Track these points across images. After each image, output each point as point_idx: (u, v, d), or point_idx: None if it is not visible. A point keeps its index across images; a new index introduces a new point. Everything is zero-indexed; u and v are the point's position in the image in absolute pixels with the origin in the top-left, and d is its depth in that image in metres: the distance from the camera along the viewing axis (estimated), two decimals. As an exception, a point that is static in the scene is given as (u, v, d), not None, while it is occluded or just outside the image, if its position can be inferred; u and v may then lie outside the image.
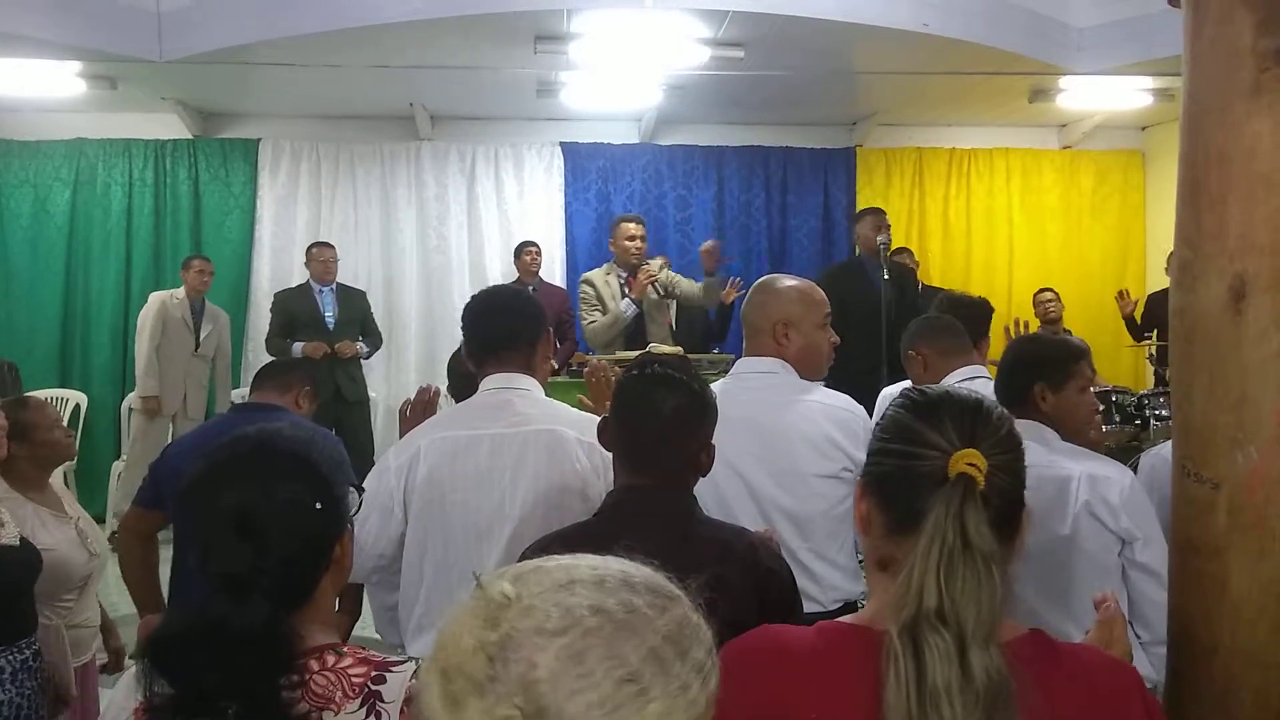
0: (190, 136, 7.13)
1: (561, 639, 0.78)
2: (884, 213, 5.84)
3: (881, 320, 4.97)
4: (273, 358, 5.80)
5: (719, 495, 2.08)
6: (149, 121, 6.98)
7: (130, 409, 6.39)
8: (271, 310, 6.38)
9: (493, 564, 1.93)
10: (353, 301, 6.47)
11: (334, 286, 6.42)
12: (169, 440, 6.32)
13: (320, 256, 6.37)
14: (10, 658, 2.21)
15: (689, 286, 5.58)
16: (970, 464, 1.05)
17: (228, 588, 1.12)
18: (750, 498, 2.17)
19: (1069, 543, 2.00)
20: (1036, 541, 1.97)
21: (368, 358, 6.46)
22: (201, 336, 6.32)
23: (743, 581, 1.57)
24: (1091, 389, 2.30)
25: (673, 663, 0.81)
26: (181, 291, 6.33)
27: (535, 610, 0.79)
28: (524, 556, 1.59)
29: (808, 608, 2.03)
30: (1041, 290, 6.96)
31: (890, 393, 3.33)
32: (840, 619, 1.16)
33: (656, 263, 5.58)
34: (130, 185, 7.05)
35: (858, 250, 5.80)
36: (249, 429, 1.27)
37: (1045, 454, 2.09)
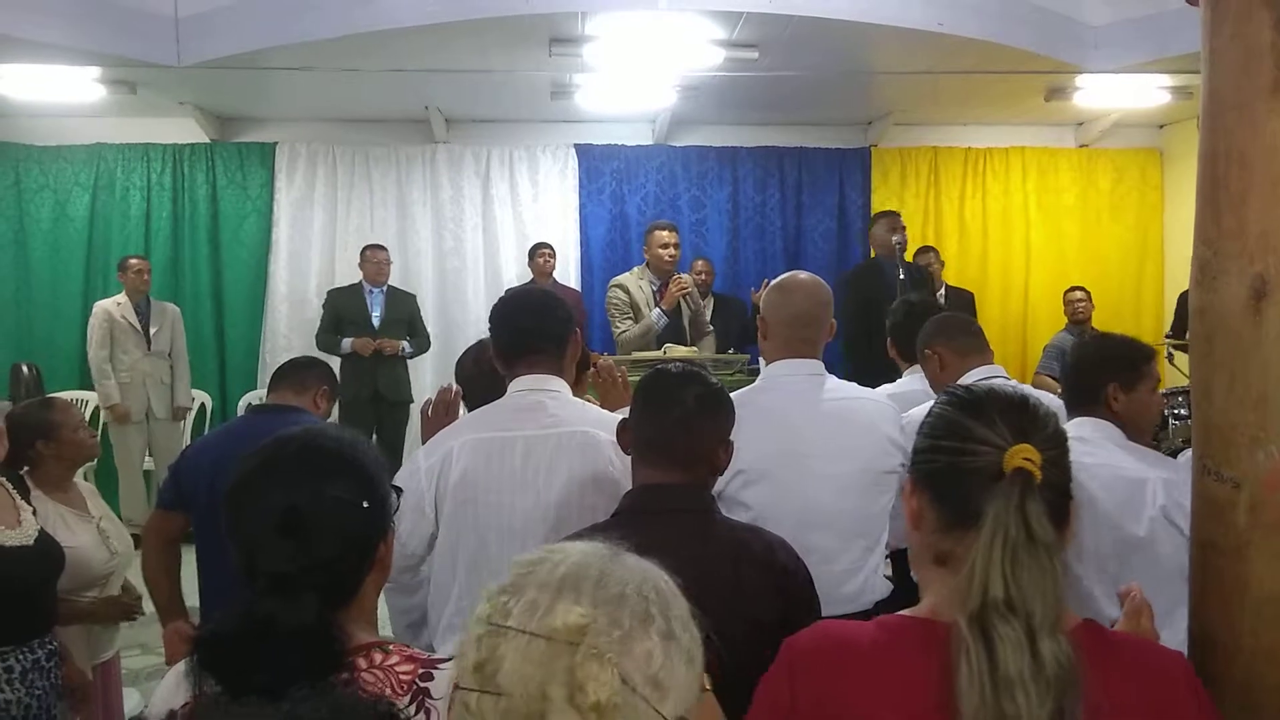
0: (208, 140, 7.19)
1: (654, 624, 0.85)
2: (898, 215, 5.91)
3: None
4: (285, 357, 5.87)
5: (779, 494, 2.07)
6: (167, 126, 7.04)
7: (106, 422, 6.35)
8: (323, 307, 6.54)
9: None
10: (401, 303, 6.57)
11: (385, 288, 6.53)
12: (145, 444, 6.37)
13: (373, 258, 6.50)
14: (21, 657, 2.22)
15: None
16: (1026, 459, 1.08)
17: (276, 587, 1.13)
18: (825, 499, 2.15)
19: (1143, 544, 1.99)
20: (1109, 541, 1.96)
21: (411, 357, 6.53)
22: (152, 334, 6.31)
23: (760, 580, 1.57)
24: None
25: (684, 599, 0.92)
26: (123, 295, 6.32)
27: (613, 615, 0.83)
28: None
29: (845, 609, 2.05)
30: (1072, 289, 6.90)
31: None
32: (899, 613, 1.17)
33: (687, 278, 5.55)
34: (149, 189, 7.11)
35: (874, 253, 5.82)
36: (294, 429, 1.28)
37: (1119, 454, 2.08)
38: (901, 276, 5.22)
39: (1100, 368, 2.22)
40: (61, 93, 6.16)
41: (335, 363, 6.07)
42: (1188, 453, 2.56)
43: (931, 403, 2.79)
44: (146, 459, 6.49)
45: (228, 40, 5.32)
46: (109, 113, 6.80)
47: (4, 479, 2.36)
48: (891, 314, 3.27)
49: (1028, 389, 2.42)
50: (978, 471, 1.10)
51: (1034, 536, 1.05)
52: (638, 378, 2.35)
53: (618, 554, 0.91)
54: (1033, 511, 1.06)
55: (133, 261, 6.36)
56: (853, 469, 2.18)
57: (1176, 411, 5.36)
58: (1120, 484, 2.01)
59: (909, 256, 6.03)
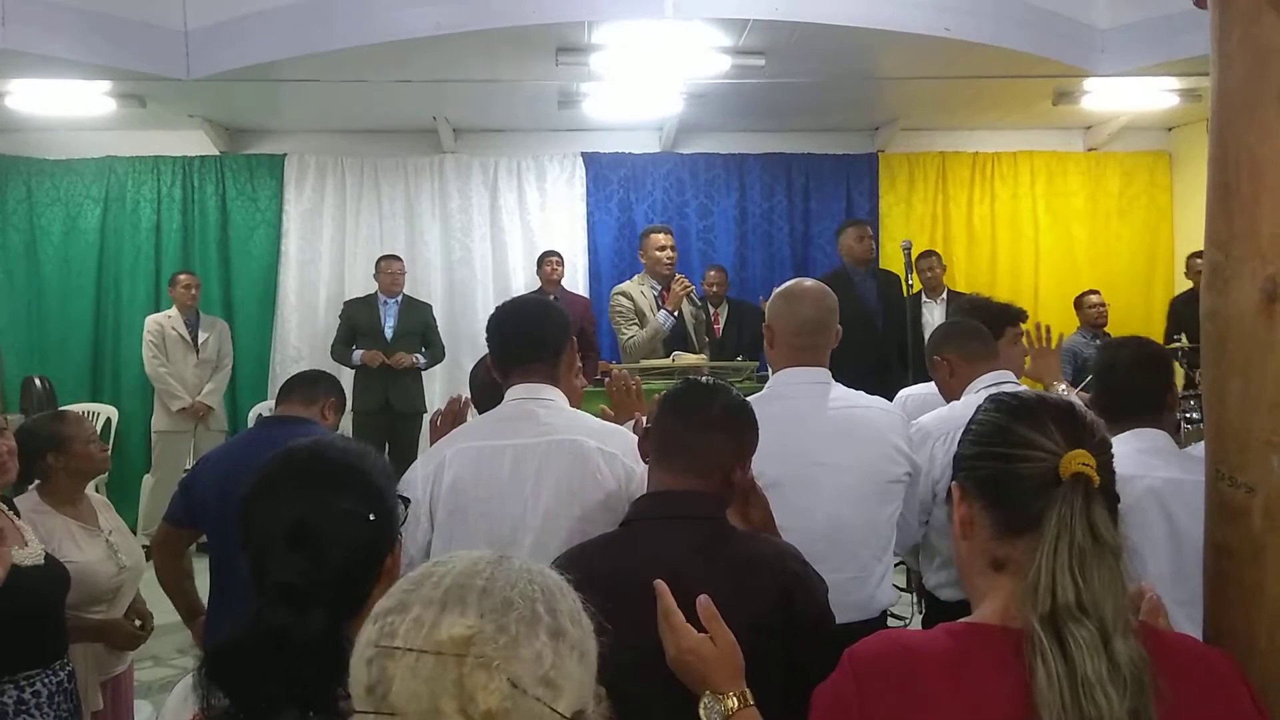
0: (217, 153, 7.23)
1: (542, 623, 0.86)
2: (866, 224, 6.06)
3: (875, 327, 5.12)
4: (302, 368, 5.94)
5: (786, 504, 2.07)
6: (177, 139, 7.08)
7: (155, 432, 6.43)
8: (339, 318, 6.56)
9: None
10: (415, 314, 6.59)
11: (400, 298, 6.55)
12: (190, 454, 6.40)
13: (387, 269, 6.52)
14: (46, 680, 2.22)
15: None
16: (1084, 464, 1.09)
17: (286, 598, 1.13)
18: (826, 506, 2.15)
19: None
20: (1191, 554, 1.92)
21: (425, 368, 6.53)
22: (199, 342, 6.41)
23: (767, 586, 1.57)
24: None
25: None
26: (174, 309, 6.44)
27: (499, 622, 0.84)
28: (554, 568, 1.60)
29: (854, 617, 2.05)
30: (1089, 293, 6.83)
31: (912, 393, 3.32)
32: (962, 620, 1.17)
33: (687, 280, 5.57)
34: (159, 202, 7.16)
35: (844, 261, 5.87)
36: (303, 441, 1.29)
37: (1180, 467, 2.05)
38: (909, 283, 5.20)
39: (1163, 374, 2.20)
40: (72, 107, 6.21)
41: (349, 374, 6.11)
42: (1190, 448, 2.54)
43: (942, 409, 2.76)
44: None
45: (237, 53, 5.36)
46: (119, 126, 6.84)
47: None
48: (956, 313, 3.28)
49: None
50: (1033, 477, 1.11)
51: (1100, 540, 1.06)
52: (648, 387, 2.35)
53: (503, 559, 0.92)
54: (1098, 515, 1.07)
55: (181, 277, 6.46)
56: (859, 478, 2.18)
57: (1189, 415, 5.33)
58: (1196, 495, 1.98)
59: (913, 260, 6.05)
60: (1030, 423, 1.15)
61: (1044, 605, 1.04)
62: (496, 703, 0.80)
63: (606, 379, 2.62)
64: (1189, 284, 6.84)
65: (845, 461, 2.17)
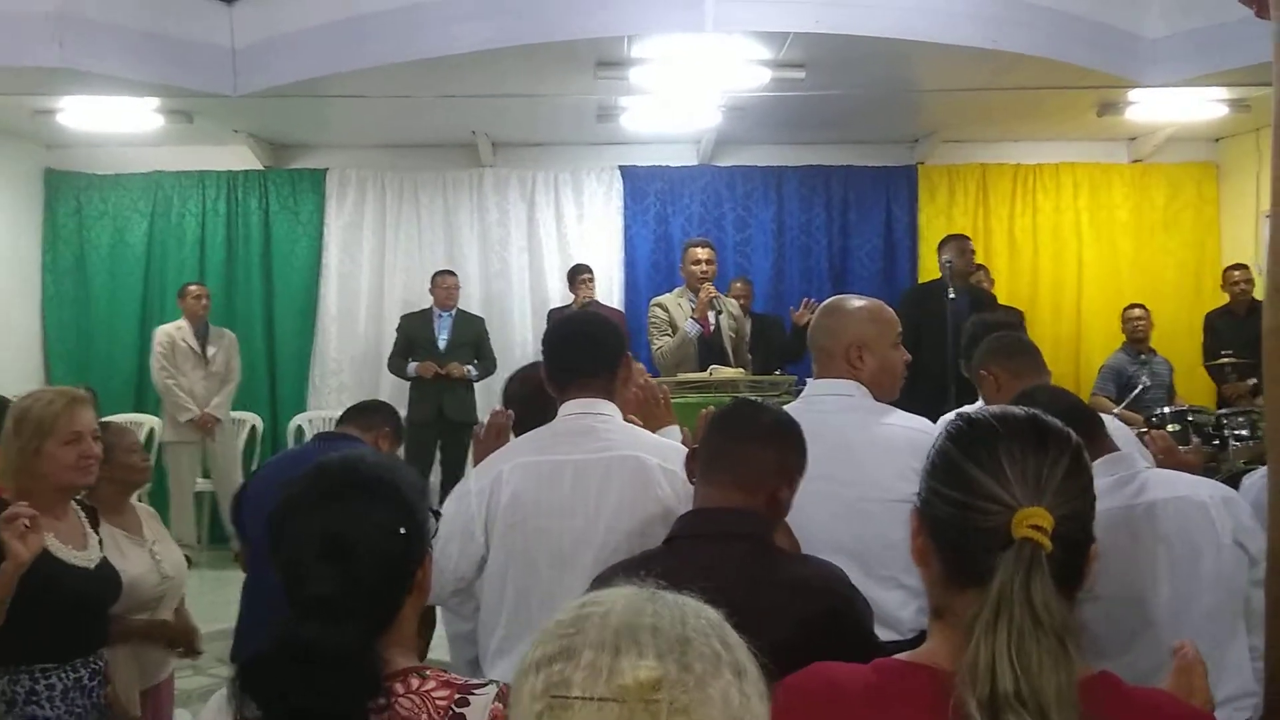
0: (261, 168, 7.34)
1: (723, 661, 0.82)
2: (968, 238, 5.87)
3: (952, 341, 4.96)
4: (342, 380, 6.23)
5: (797, 520, 2.04)
6: (222, 154, 7.21)
7: (162, 443, 6.52)
8: (396, 331, 6.76)
9: (577, 590, 1.91)
10: (468, 326, 6.74)
11: (454, 312, 6.71)
12: (198, 466, 6.51)
13: (442, 284, 6.70)
14: (63, 675, 2.23)
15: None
16: (1034, 526, 0.98)
17: (318, 611, 1.14)
18: (823, 522, 2.09)
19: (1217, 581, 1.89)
20: (1187, 592, 1.85)
21: (477, 380, 6.64)
22: (209, 355, 6.50)
23: (814, 611, 1.54)
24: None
25: None
26: (183, 320, 6.53)
27: (682, 662, 0.81)
28: (594, 584, 1.58)
29: (884, 636, 1.99)
30: (1131, 306, 6.72)
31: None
32: (897, 656, 1.12)
33: (713, 287, 5.59)
34: (204, 215, 7.29)
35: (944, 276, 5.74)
36: (334, 455, 1.30)
37: (1169, 484, 1.98)
38: (951, 295, 5.13)
39: (1080, 410, 2.12)
40: (121, 123, 6.34)
41: (405, 385, 6.37)
42: (1252, 475, 2.47)
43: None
44: (200, 481, 6.62)
45: (282, 70, 5.43)
46: (166, 141, 6.97)
47: (77, 504, 2.39)
48: (965, 333, 3.21)
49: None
50: (984, 532, 1.01)
51: (1040, 623, 0.96)
52: (682, 399, 2.33)
53: (655, 593, 0.87)
54: (1038, 592, 0.96)
55: (191, 288, 6.57)
56: (869, 494, 2.09)
57: (1238, 433, 5.22)
58: (1177, 511, 1.91)
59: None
60: (985, 464, 1.03)
61: (983, 689, 0.96)
62: None
63: (634, 388, 2.61)
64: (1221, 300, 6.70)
65: (850, 478, 2.08)
